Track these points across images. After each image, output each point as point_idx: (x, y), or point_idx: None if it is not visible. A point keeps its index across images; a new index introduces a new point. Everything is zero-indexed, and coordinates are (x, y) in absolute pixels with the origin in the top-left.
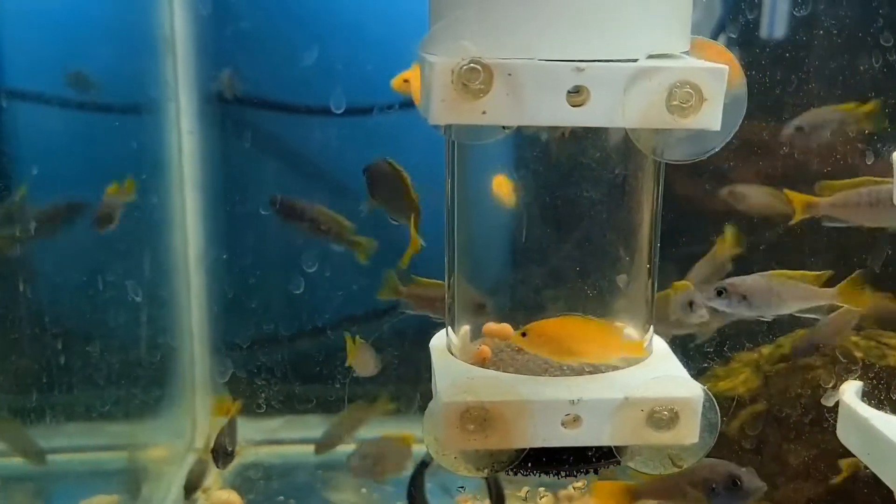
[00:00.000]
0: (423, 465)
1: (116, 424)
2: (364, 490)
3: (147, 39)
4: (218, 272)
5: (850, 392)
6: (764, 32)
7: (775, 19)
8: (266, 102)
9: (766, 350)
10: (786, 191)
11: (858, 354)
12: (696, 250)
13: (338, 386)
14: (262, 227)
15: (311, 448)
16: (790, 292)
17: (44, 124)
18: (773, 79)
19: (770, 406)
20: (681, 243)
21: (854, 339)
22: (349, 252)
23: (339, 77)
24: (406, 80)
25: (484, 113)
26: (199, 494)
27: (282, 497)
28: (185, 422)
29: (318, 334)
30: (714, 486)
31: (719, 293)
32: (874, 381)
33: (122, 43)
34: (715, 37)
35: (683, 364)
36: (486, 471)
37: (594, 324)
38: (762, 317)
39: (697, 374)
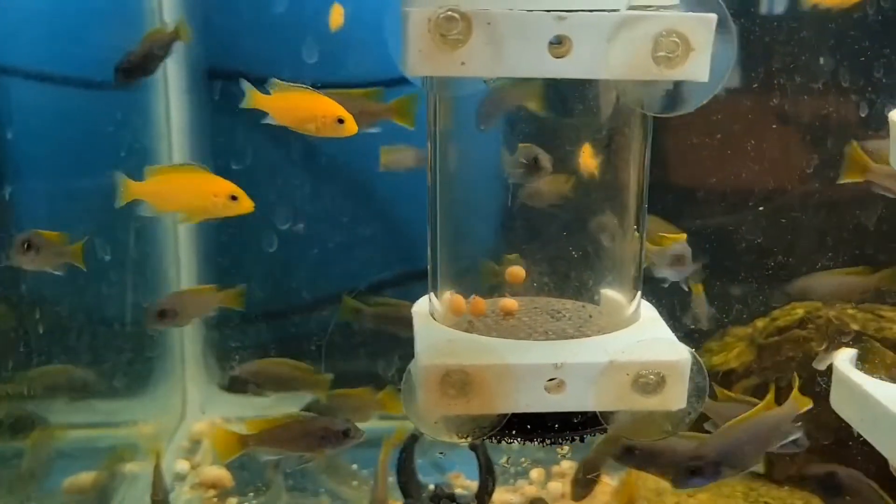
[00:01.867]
0: (413, 438)
1: (105, 401)
2: (355, 466)
3: (134, 13)
4: (207, 246)
5: (843, 359)
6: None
7: None
8: (254, 75)
9: (760, 323)
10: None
11: (855, 326)
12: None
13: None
14: (258, 207)
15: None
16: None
17: (30, 99)
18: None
19: (764, 379)
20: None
21: (850, 311)
22: (347, 227)
23: (333, 50)
24: None
25: (463, 64)
26: (189, 471)
27: (266, 474)
28: (176, 397)
29: (310, 309)
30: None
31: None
32: (868, 353)
33: (109, 17)
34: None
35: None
36: (468, 437)
37: None
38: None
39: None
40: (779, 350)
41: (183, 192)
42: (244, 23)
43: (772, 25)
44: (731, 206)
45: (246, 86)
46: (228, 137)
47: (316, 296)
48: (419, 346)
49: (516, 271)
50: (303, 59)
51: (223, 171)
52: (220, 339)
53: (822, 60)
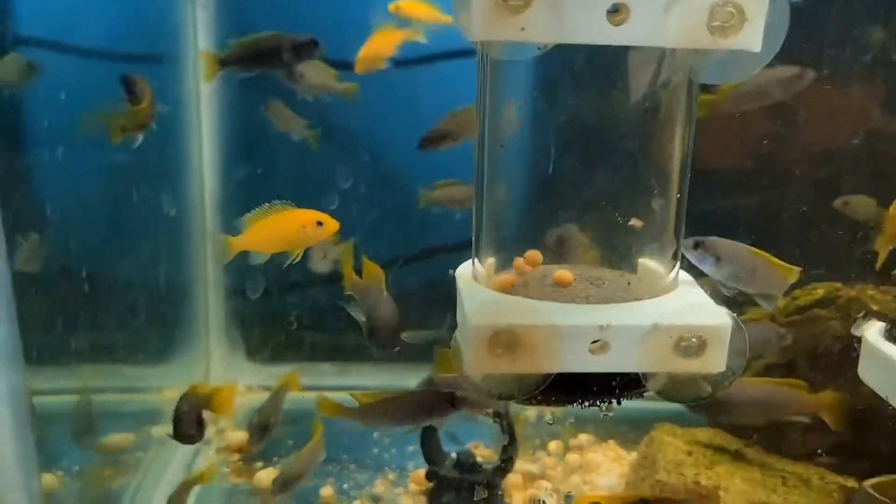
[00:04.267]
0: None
1: (132, 367)
2: (376, 434)
3: None
4: (234, 219)
5: (873, 331)
6: None
7: None
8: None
9: (780, 303)
10: None
11: (875, 307)
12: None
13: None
14: (277, 174)
15: (321, 394)
16: (761, 273)
17: (62, 72)
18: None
19: (784, 356)
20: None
21: (871, 291)
22: (372, 197)
23: (357, 30)
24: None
25: (523, 29)
26: (212, 435)
27: (291, 441)
28: (200, 364)
29: (332, 282)
30: None
31: (696, 246)
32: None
33: None
34: None
35: None
36: (512, 398)
37: None
38: (724, 284)
39: None
40: (799, 329)
41: (277, 234)
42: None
43: None
44: (749, 186)
45: (219, 238)
46: (255, 110)
47: (336, 268)
48: (468, 307)
49: (563, 276)
50: (329, 29)
51: (252, 145)
52: (242, 309)
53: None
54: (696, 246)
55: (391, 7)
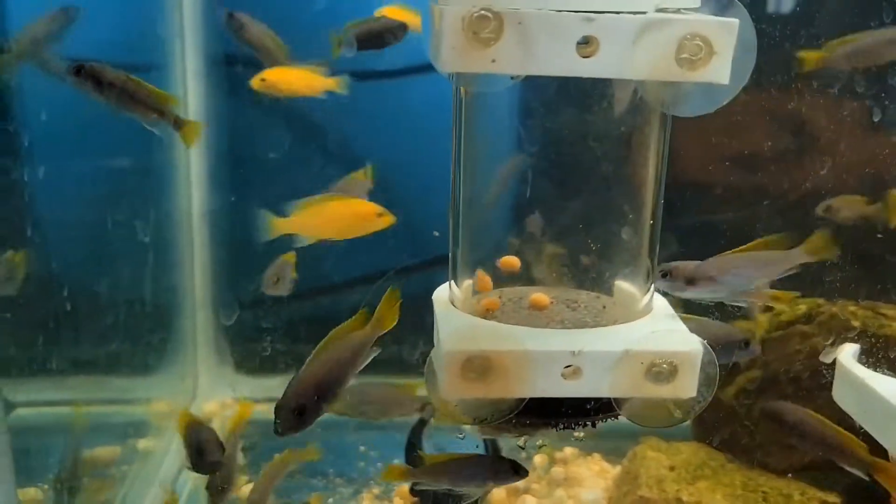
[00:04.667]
0: (422, 423)
1: (119, 378)
2: (362, 448)
3: (157, 2)
4: (221, 232)
5: (846, 353)
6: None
7: None
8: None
9: (763, 318)
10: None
11: (856, 323)
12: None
13: None
14: (266, 186)
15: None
16: (752, 265)
17: (47, 82)
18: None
19: (766, 373)
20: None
21: (852, 308)
22: None
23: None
24: (264, 80)
25: (493, 61)
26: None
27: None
28: (187, 377)
29: (319, 294)
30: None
31: (664, 275)
32: (871, 349)
33: (130, 3)
34: None
35: None
36: (486, 421)
37: None
38: (724, 299)
39: None
40: (783, 345)
41: (329, 221)
42: (259, 7)
43: None
44: (742, 202)
45: (264, 215)
46: (244, 122)
47: (324, 282)
48: (443, 332)
49: (510, 261)
50: (316, 44)
51: (240, 156)
52: (219, 295)
53: None
54: (665, 275)
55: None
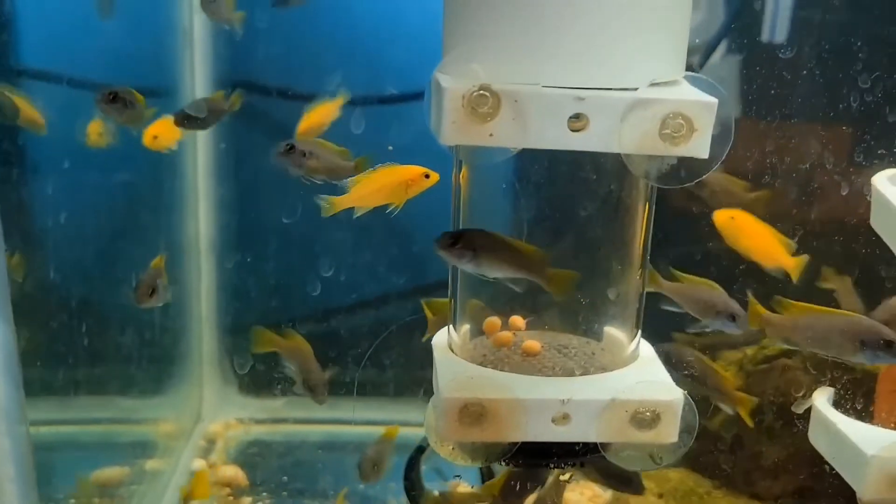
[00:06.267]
0: (420, 450)
1: (126, 399)
2: None
3: (168, 28)
4: (228, 255)
5: (821, 398)
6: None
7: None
8: (280, 91)
9: (750, 351)
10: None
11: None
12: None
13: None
14: (273, 214)
15: (312, 428)
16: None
17: (59, 104)
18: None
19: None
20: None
21: None
22: (364, 235)
23: (354, 65)
24: (156, 137)
25: (491, 135)
26: (205, 467)
27: (285, 477)
28: (193, 398)
29: (324, 319)
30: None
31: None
32: (849, 385)
33: (143, 29)
34: (718, 41)
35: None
36: (481, 461)
37: None
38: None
39: None
40: (766, 378)
41: (380, 188)
42: (268, 34)
43: None
44: None
45: (322, 199)
46: (250, 146)
47: (329, 305)
48: (441, 379)
49: (531, 346)
50: (324, 71)
51: (244, 181)
52: (235, 343)
53: None
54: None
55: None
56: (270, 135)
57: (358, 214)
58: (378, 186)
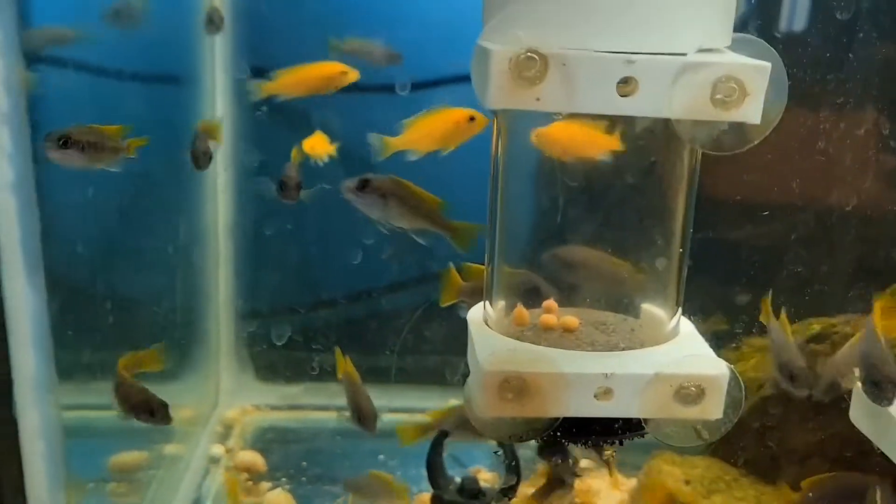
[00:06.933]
0: (444, 434)
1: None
2: (382, 456)
3: (191, 16)
4: (246, 242)
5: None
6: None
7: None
8: None
9: None
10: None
11: None
12: None
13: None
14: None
15: (331, 414)
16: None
17: (76, 91)
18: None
19: (778, 390)
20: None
21: None
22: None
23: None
24: (312, 147)
25: (538, 100)
26: (223, 455)
27: (304, 462)
28: (210, 384)
29: (334, 304)
30: None
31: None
32: None
33: (165, 16)
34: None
35: None
36: (521, 438)
37: None
38: None
39: None
40: None
41: (430, 132)
42: (289, 22)
43: None
44: (751, 218)
45: (376, 137)
46: (271, 135)
47: (345, 291)
48: (480, 353)
49: (569, 321)
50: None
51: (264, 166)
52: (252, 329)
53: None
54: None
55: None
56: (289, 121)
57: (413, 158)
58: (426, 133)
